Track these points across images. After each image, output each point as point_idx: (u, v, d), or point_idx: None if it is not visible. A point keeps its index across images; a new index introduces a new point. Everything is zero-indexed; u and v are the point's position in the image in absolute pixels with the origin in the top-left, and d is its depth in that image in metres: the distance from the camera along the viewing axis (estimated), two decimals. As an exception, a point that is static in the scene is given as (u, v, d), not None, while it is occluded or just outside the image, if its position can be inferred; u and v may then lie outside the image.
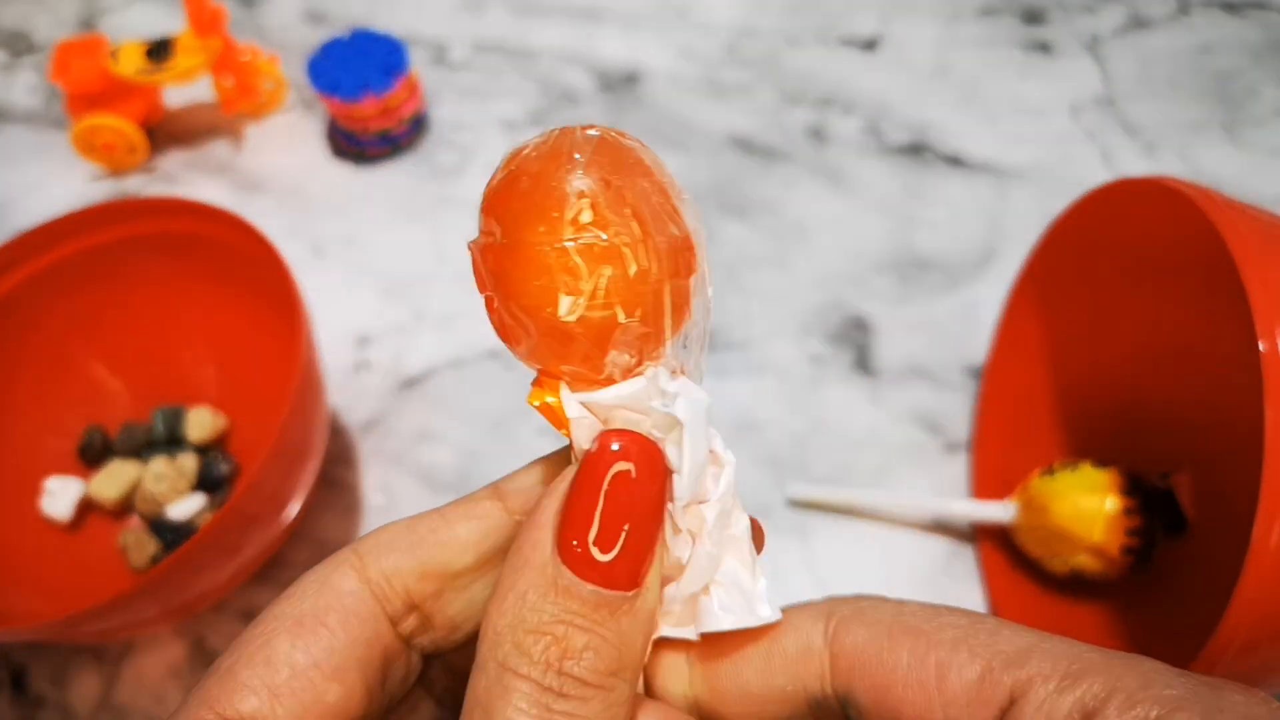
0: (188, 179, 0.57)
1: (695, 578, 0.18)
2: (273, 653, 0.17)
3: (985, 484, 0.43)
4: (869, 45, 0.60)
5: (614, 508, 0.16)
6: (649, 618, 0.17)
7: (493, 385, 0.48)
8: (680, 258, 0.17)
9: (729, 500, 0.18)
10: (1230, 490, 0.34)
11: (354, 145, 0.56)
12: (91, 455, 0.45)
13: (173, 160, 0.58)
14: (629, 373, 0.17)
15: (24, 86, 0.62)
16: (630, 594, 0.16)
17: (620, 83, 0.59)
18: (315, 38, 0.58)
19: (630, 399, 0.17)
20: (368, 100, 0.53)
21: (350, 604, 0.18)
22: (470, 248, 0.17)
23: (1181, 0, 0.61)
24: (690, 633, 0.18)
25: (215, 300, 0.46)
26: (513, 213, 0.16)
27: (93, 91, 0.54)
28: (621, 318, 0.16)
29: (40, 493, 0.43)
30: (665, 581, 0.18)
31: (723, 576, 0.18)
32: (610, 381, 0.17)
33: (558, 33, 0.62)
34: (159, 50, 0.53)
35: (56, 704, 0.41)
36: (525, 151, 0.17)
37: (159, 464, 0.43)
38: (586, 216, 0.16)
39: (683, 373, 0.18)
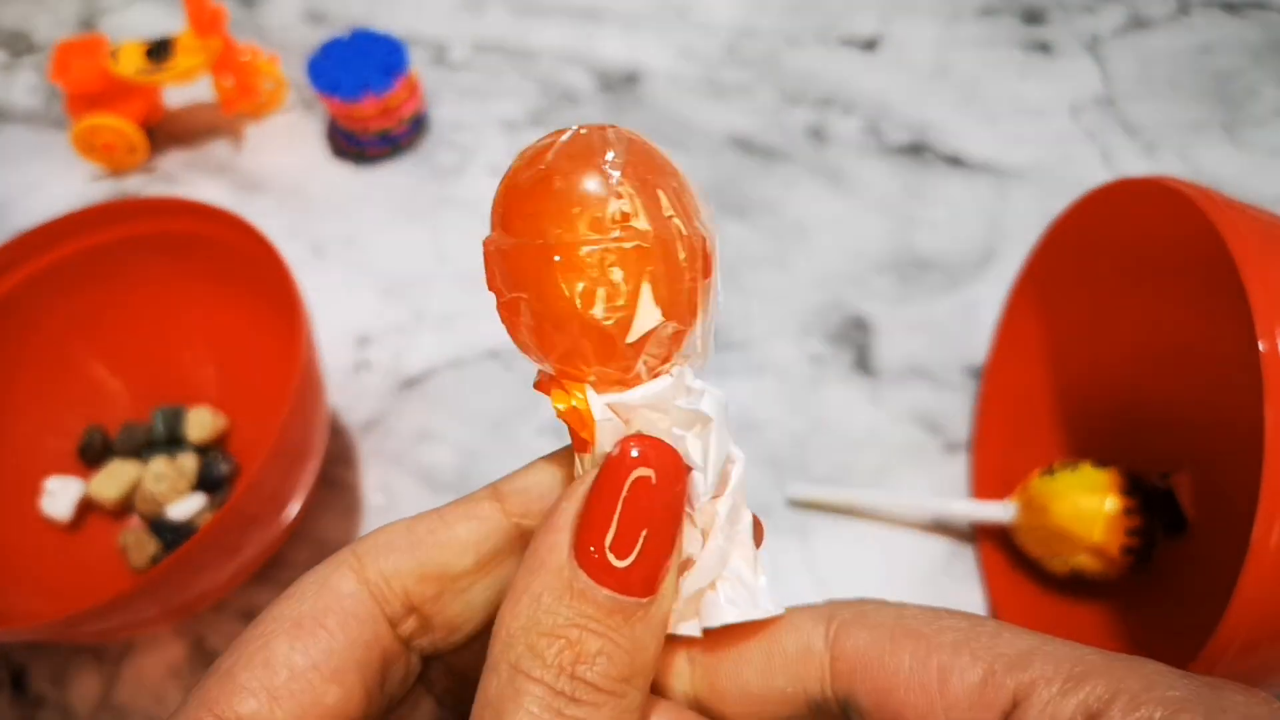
0: (188, 179, 0.57)
1: (704, 573, 0.18)
2: (271, 654, 0.17)
3: (985, 484, 0.43)
4: (869, 45, 0.60)
5: (632, 513, 0.16)
6: (663, 624, 0.17)
7: (493, 385, 0.48)
8: (704, 257, 0.17)
9: (739, 496, 0.18)
10: (1230, 490, 0.34)
11: (354, 145, 0.56)
12: (91, 455, 0.45)
13: (173, 160, 0.58)
14: (654, 372, 0.17)
15: (24, 86, 0.62)
16: (645, 601, 0.16)
17: (620, 83, 0.59)
18: (315, 38, 0.58)
19: (656, 398, 0.17)
20: (368, 100, 0.53)
21: (349, 605, 0.18)
22: (486, 247, 0.17)
23: (1181, 0, 0.61)
24: (694, 628, 0.18)
25: (215, 300, 0.46)
26: (548, 213, 0.16)
27: (93, 91, 0.54)
28: (660, 318, 0.16)
29: (40, 493, 0.43)
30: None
31: (728, 572, 0.18)
32: (638, 381, 0.17)
33: (558, 33, 0.62)
34: (159, 50, 0.53)
35: (56, 704, 0.41)
36: (549, 153, 0.16)
37: (159, 464, 0.43)
38: (624, 216, 0.16)
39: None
